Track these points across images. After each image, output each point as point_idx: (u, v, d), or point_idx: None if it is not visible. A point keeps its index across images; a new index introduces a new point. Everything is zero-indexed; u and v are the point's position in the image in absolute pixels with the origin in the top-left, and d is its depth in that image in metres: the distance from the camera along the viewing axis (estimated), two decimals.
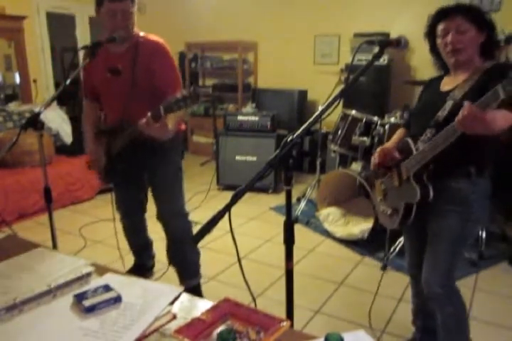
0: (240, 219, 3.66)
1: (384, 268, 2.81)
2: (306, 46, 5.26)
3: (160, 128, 1.82)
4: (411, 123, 1.81)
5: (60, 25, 5.59)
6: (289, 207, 1.23)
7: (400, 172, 1.70)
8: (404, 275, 2.61)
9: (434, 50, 1.67)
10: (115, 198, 2.49)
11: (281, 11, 5.34)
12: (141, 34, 2.11)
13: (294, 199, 4.02)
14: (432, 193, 1.57)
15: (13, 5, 4.76)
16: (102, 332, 1.00)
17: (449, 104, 1.55)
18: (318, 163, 4.02)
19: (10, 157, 3.82)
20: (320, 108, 1.36)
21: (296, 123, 4.95)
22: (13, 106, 4.62)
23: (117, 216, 2.54)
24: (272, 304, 2.14)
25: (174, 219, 2.32)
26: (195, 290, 2.39)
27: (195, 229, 1.68)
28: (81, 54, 2.20)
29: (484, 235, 2.94)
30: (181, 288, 1.18)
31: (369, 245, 3.11)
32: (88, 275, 1.22)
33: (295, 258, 1.27)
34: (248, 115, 4.51)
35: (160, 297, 1.13)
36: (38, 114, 1.77)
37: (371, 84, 4.36)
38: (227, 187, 4.48)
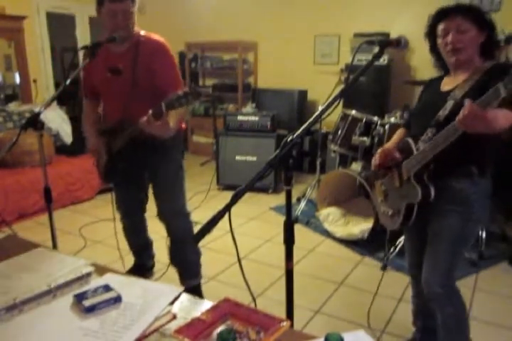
0: (240, 219, 3.66)
1: (384, 268, 2.81)
2: (306, 46, 5.26)
3: (161, 126, 1.83)
4: (411, 124, 1.81)
5: (60, 25, 5.59)
6: (289, 207, 1.23)
7: (400, 173, 1.69)
8: (404, 275, 2.61)
9: (434, 50, 1.67)
10: (115, 198, 2.49)
11: (281, 11, 5.34)
12: (142, 33, 2.10)
13: (294, 199, 4.02)
14: (433, 193, 1.57)
15: (13, 5, 4.76)
16: (102, 332, 1.00)
17: (449, 104, 1.55)
18: (318, 163, 4.02)
19: (10, 157, 3.82)
20: (320, 108, 1.36)
21: (296, 123, 4.95)
22: (13, 107, 4.62)
23: (117, 216, 2.54)
24: (272, 304, 2.14)
25: (175, 218, 2.32)
26: (196, 291, 2.39)
27: (196, 229, 1.68)
28: (81, 54, 2.20)
29: (484, 235, 2.94)
30: (181, 288, 1.18)
31: (369, 245, 3.11)
32: (88, 275, 1.22)
33: (295, 258, 1.27)
34: (248, 115, 4.51)
35: (160, 297, 1.13)
36: (38, 114, 1.77)
37: (371, 84, 4.36)
38: (227, 187, 4.48)
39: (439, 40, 1.60)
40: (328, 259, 3.04)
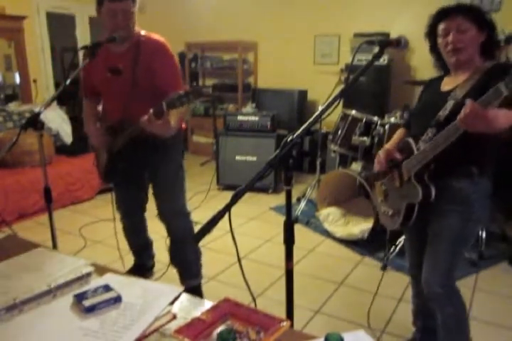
0: (240, 219, 3.66)
1: (384, 268, 2.81)
2: (306, 46, 5.26)
3: (162, 125, 1.83)
4: (411, 124, 1.81)
5: (60, 25, 5.59)
6: (289, 207, 1.23)
7: (400, 173, 1.69)
8: (404, 275, 2.61)
9: (434, 50, 1.67)
10: (115, 198, 2.49)
11: (281, 11, 5.34)
12: (142, 33, 2.10)
13: (294, 199, 4.02)
14: (433, 193, 1.57)
15: (13, 5, 4.76)
16: (102, 332, 1.00)
17: (450, 104, 1.55)
18: (318, 163, 4.02)
19: (10, 157, 3.82)
20: (320, 108, 1.36)
21: (296, 123, 4.95)
22: (13, 106, 4.62)
23: (117, 216, 2.54)
24: (272, 304, 2.14)
25: (175, 218, 2.32)
26: (196, 291, 2.39)
27: (196, 229, 1.68)
28: (81, 54, 2.20)
29: (484, 235, 2.94)
30: (181, 288, 1.18)
31: (369, 245, 3.11)
32: (88, 275, 1.22)
33: (295, 258, 1.27)
34: (248, 115, 4.51)
35: (160, 297, 1.13)
36: (38, 114, 1.77)
37: (371, 84, 4.36)
38: (227, 187, 4.48)
39: (440, 40, 1.60)
40: (328, 259, 3.04)
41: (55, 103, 4.58)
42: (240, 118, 4.49)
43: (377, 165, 1.79)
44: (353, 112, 3.38)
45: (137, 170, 2.28)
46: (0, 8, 4.62)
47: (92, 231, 3.44)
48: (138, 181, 2.39)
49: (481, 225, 2.78)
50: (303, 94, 5.20)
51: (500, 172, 1.75)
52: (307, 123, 1.26)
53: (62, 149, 4.49)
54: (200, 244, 2.50)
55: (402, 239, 2.85)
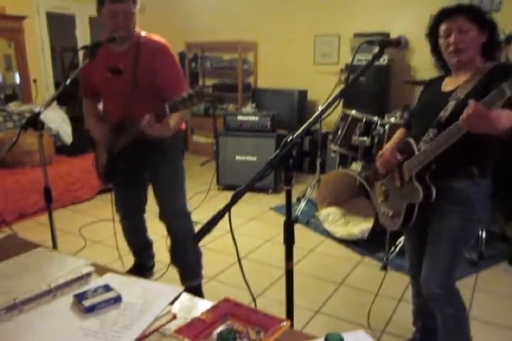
0: (240, 219, 3.66)
1: (384, 268, 2.81)
2: (306, 46, 5.26)
3: (162, 128, 1.84)
4: (412, 124, 1.81)
5: (60, 25, 5.59)
6: (289, 207, 1.23)
7: (401, 173, 1.69)
8: (405, 275, 2.61)
9: (435, 50, 1.67)
10: (115, 199, 2.49)
11: (281, 11, 5.34)
12: (143, 34, 2.10)
13: (294, 199, 4.02)
14: (434, 193, 1.57)
15: (13, 5, 4.76)
16: (102, 332, 1.00)
17: (451, 104, 1.55)
18: (318, 163, 4.02)
19: (10, 157, 3.82)
20: (320, 108, 1.36)
21: (296, 123, 4.95)
22: (13, 106, 4.62)
23: (117, 218, 2.54)
24: (272, 304, 2.15)
25: (176, 218, 2.32)
26: (196, 291, 2.38)
27: (196, 229, 1.67)
28: (81, 54, 2.20)
29: (484, 235, 2.94)
30: (181, 288, 1.18)
31: (369, 245, 3.11)
32: (88, 275, 1.22)
33: (295, 258, 1.27)
34: (248, 115, 4.51)
35: (160, 297, 1.13)
36: (38, 114, 1.77)
37: (371, 84, 4.36)
38: (227, 187, 4.48)
39: (441, 41, 1.60)
40: (328, 259, 3.04)
41: (55, 103, 4.57)
42: (240, 118, 4.49)
43: (386, 162, 1.77)
44: (353, 112, 3.38)
45: (137, 170, 2.28)
46: (0, 8, 4.62)
47: (92, 231, 3.44)
48: (138, 181, 2.39)
49: (482, 226, 2.78)
50: (303, 94, 5.20)
51: (500, 173, 1.75)
52: (307, 123, 1.26)
53: (62, 149, 4.49)
54: (200, 244, 2.50)
55: (402, 239, 2.85)
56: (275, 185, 4.40)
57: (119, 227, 2.60)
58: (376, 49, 1.43)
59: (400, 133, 1.90)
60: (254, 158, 4.40)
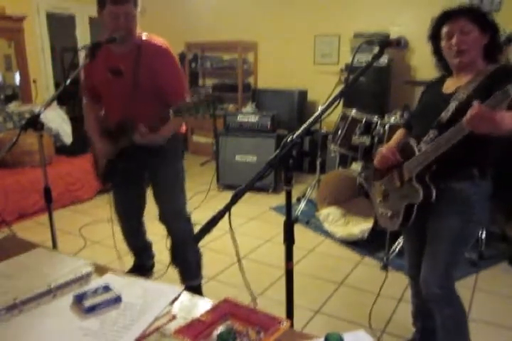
0: (240, 219, 3.66)
1: (384, 268, 2.81)
2: (306, 46, 5.26)
3: (153, 137, 1.92)
4: (412, 125, 1.81)
5: (60, 25, 5.59)
6: (289, 207, 1.24)
7: (401, 173, 1.69)
8: (405, 275, 2.61)
9: (437, 52, 1.67)
10: (114, 201, 2.49)
11: (281, 11, 5.34)
12: (144, 35, 2.09)
13: (294, 199, 4.02)
14: (434, 194, 1.57)
15: (13, 5, 4.76)
16: (102, 332, 1.00)
17: (452, 106, 1.55)
18: (318, 163, 4.01)
19: (10, 157, 3.82)
20: (320, 108, 1.36)
21: (296, 123, 4.95)
22: (13, 107, 4.62)
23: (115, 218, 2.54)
24: (272, 304, 2.14)
25: (176, 220, 2.32)
26: (196, 291, 2.38)
27: (196, 230, 1.67)
28: (81, 54, 2.20)
29: (484, 235, 2.95)
30: (181, 288, 1.18)
31: (369, 245, 3.11)
32: (88, 275, 1.22)
33: (295, 258, 1.27)
34: (248, 115, 4.51)
35: (160, 297, 1.13)
36: (38, 115, 1.78)
37: (371, 84, 4.36)
38: (227, 187, 4.48)
39: (443, 43, 1.60)
40: (328, 259, 3.04)
41: (55, 103, 4.58)
42: (239, 118, 4.49)
43: (383, 159, 1.76)
44: (353, 112, 3.38)
45: (137, 170, 2.28)
46: (0, 8, 4.62)
47: (91, 232, 3.44)
48: (138, 181, 2.39)
49: (482, 226, 2.78)
50: (303, 94, 5.20)
51: (500, 174, 1.75)
52: (307, 123, 1.26)
53: (62, 149, 4.49)
54: (200, 244, 2.49)
55: (402, 239, 2.84)
56: (275, 185, 4.40)
57: (117, 228, 2.60)
58: (376, 49, 1.43)
59: (400, 133, 1.90)
60: (254, 158, 4.40)
